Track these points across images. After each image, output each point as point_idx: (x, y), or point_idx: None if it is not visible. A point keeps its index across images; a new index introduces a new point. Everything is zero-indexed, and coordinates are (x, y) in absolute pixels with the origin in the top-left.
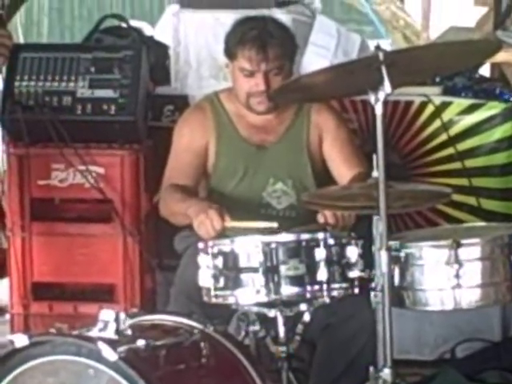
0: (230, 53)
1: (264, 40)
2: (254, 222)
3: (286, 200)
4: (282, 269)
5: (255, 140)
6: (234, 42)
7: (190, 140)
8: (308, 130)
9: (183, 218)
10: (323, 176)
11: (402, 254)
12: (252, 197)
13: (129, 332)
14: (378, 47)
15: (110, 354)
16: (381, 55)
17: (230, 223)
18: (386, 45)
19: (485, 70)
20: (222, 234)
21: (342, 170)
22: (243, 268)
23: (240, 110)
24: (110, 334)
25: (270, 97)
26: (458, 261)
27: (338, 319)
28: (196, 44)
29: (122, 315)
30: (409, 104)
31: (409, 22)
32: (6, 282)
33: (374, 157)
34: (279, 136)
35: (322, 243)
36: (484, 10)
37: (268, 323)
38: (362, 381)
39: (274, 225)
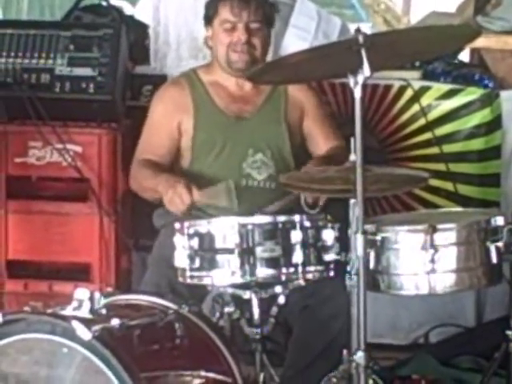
0: (212, 11)
1: None
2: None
3: (266, 170)
4: (258, 250)
5: (233, 110)
6: None
7: (163, 117)
8: (286, 103)
9: (153, 193)
10: (301, 152)
11: (378, 238)
12: (232, 168)
13: (103, 311)
14: (358, 30)
15: (84, 333)
16: (361, 38)
17: (199, 195)
18: (367, 28)
19: (464, 56)
20: (194, 207)
21: (320, 143)
22: (219, 249)
23: (218, 78)
24: (85, 313)
25: (250, 78)
26: (433, 246)
27: (315, 301)
28: (176, 24)
29: (97, 294)
30: (388, 88)
31: (390, 6)
32: None
33: (352, 140)
34: (257, 107)
35: (298, 225)
36: None
37: (243, 305)
38: (336, 364)
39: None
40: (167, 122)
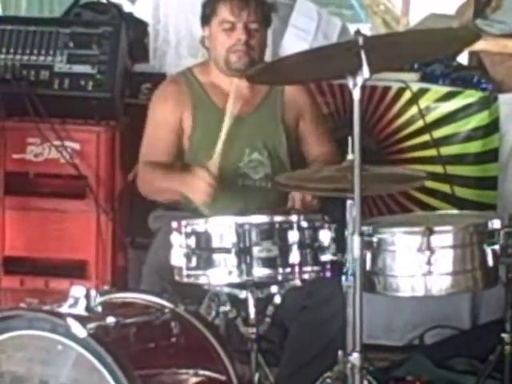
0: (210, 10)
1: None
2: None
3: (263, 170)
4: (255, 250)
5: None
6: None
7: (164, 115)
8: (282, 103)
9: (171, 194)
10: (296, 153)
11: (375, 240)
12: (229, 167)
13: (99, 309)
14: (357, 32)
15: (80, 331)
16: (360, 40)
17: (215, 166)
18: (366, 29)
19: (463, 58)
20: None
21: (313, 146)
22: (216, 248)
23: (215, 79)
24: (80, 310)
25: (249, 78)
26: (429, 248)
27: (314, 302)
28: (175, 22)
29: (93, 292)
30: (386, 89)
31: (389, 8)
32: None
33: (350, 140)
34: (254, 107)
35: (295, 226)
36: None
37: (239, 304)
38: (332, 365)
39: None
40: (171, 117)
